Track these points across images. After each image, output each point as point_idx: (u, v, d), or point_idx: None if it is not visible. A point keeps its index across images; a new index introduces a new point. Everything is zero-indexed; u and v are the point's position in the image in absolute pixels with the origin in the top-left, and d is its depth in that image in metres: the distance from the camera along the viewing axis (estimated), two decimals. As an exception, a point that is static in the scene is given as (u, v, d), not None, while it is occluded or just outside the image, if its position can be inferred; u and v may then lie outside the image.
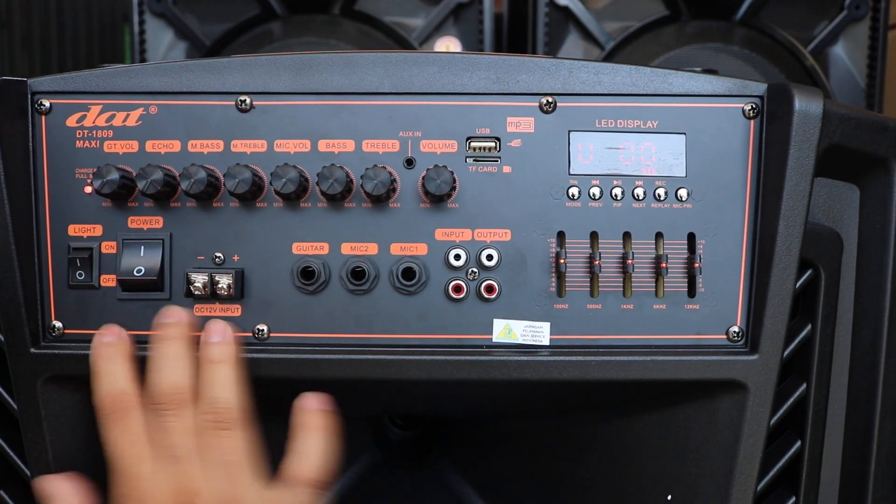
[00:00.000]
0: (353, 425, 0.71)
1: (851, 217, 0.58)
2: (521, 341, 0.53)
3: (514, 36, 1.70)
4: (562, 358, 0.53)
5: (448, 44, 1.56)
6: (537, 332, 0.53)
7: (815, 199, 0.57)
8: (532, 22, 1.53)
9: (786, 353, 0.56)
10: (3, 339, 0.54)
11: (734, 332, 0.54)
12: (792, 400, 0.58)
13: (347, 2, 1.54)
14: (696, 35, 1.54)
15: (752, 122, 0.54)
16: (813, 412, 0.58)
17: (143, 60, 1.58)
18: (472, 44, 1.55)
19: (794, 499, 0.59)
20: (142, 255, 0.53)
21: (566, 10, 1.54)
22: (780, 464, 0.58)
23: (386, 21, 1.59)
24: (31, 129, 0.54)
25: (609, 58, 1.51)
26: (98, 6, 2.74)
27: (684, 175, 0.53)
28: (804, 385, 0.58)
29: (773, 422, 0.57)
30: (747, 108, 0.54)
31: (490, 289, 0.53)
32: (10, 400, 0.57)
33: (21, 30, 2.14)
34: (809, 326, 0.57)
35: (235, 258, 0.54)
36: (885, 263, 0.57)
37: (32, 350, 0.53)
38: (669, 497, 0.57)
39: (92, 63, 2.45)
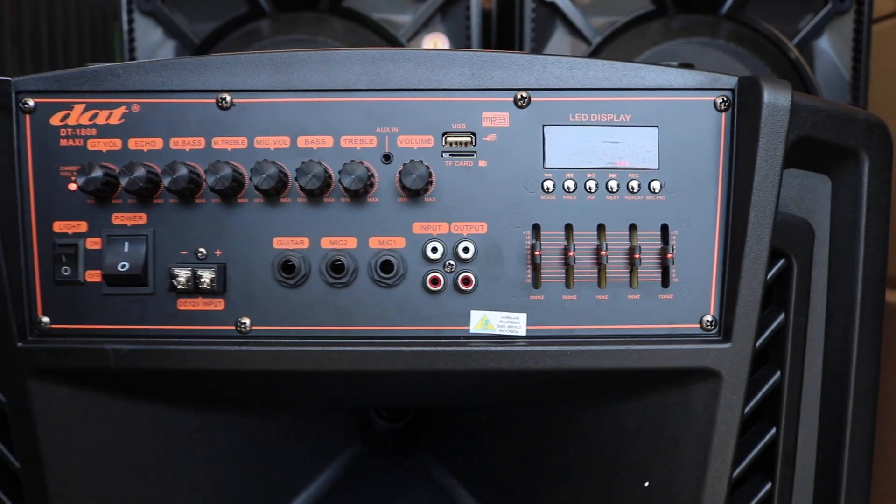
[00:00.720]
0: (338, 417, 0.72)
1: (823, 207, 0.59)
2: (498, 332, 0.54)
3: (502, 32, 1.71)
4: (538, 348, 0.54)
5: (436, 41, 1.57)
6: (514, 323, 0.54)
7: (787, 190, 0.58)
8: (519, 18, 1.54)
9: (760, 341, 0.58)
10: (-10, 334, 0.56)
11: (707, 320, 0.55)
12: (766, 388, 0.59)
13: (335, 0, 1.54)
14: (682, 29, 1.55)
15: (723, 114, 0.55)
16: (787, 400, 0.59)
17: (132, 59, 1.59)
18: (460, 40, 1.56)
19: (769, 485, 0.60)
20: (126, 250, 0.54)
21: (553, 6, 1.55)
22: (755, 451, 0.59)
23: (374, 18, 1.60)
24: (15, 127, 0.55)
25: (596, 53, 1.51)
26: (88, 5, 2.73)
27: (657, 167, 0.55)
28: (778, 373, 0.59)
29: (747, 410, 0.58)
30: (718, 101, 0.55)
31: (467, 281, 0.54)
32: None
33: (11, 29, 2.14)
34: (783, 315, 0.58)
35: (217, 253, 0.55)
36: (857, 253, 0.58)
37: (20, 344, 0.54)
38: (647, 483, 0.58)
39: (83, 62, 2.46)
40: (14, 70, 1.89)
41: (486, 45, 1.59)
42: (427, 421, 0.74)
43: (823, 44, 1.59)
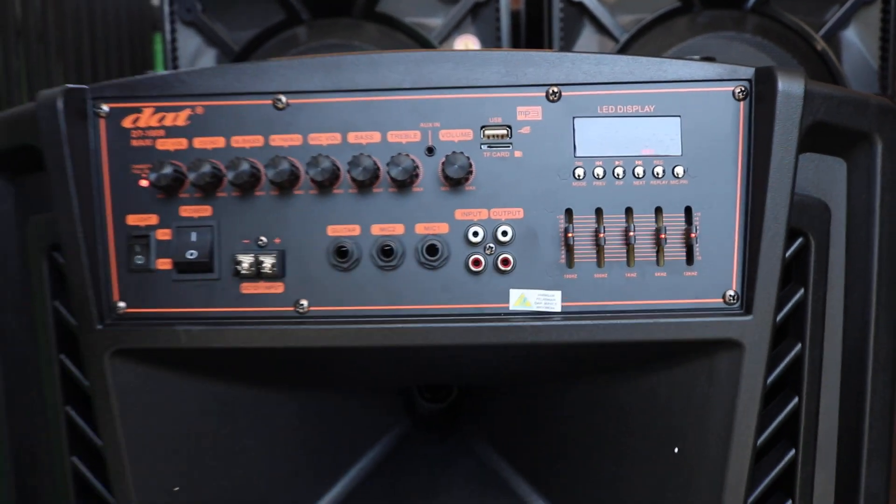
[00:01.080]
0: (385, 398, 0.77)
1: (839, 188, 0.63)
2: (535, 308, 0.59)
3: (531, 32, 1.74)
4: (572, 322, 0.58)
5: (467, 42, 1.61)
6: (550, 300, 0.59)
7: (805, 173, 0.62)
8: (548, 18, 1.57)
9: (781, 315, 0.61)
10: (74, 319, 0.61)
11: (730, 295, 0.59)
12: (788, 359, 0.63)
13: (368, 4, 1.59)
14: (708, 25, 1.57)
15: (741, 103, 0.59)
16: (808, 370, 0.63)
17: (175, 67, 1.65)
18: (491, 41, 1.60)
19: (793, 451, 0.64)
20: (193, 240, 0.60)
21: (580, 6, 1.58)
22: (779, 419, 0.63)
23: (406, 22, 1.64)
24: (91, 131, 0.61)
25: (623, 50, 1.55)
26: (128, 17, 2.83)
27: (680, 154, 0.59)
28: (799, 345, 0.63)
29: (771, 381, 0.62)
30: (737, 90, 0.59)
31: (506, 262, 0.59)
32: (80, 377, 0.64)
33: (56, 42, 2.23)
34: (802, 291, 0.62)
35: (277, 241, 0.60)
36: (872, 230, 0.62)
37: (99, 327, 0.60)
38: (676, 450, 0.62)
39: (123, 71, 2.57)
40: (59, 81, 1.97)
41: (516, 45, 1.63)
42: (468, 401, 0.79)
43: (850, 34, 1.60)
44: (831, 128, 0.60)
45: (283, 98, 0.60)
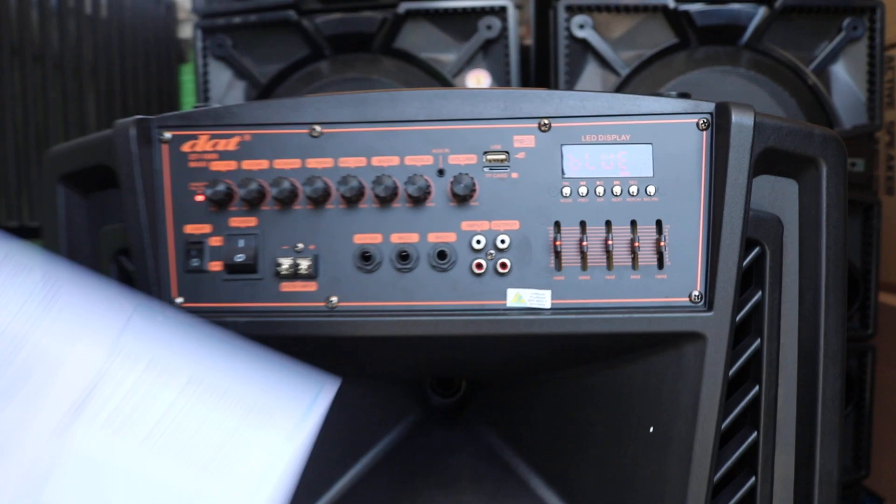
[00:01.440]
0: (401, 391, 0.88)
1: (792, 205, 0.73)
2: (528, 305, 0.70)
3: (539, 66, 1.85)
4: (560, 317, 0.69)
5: (478, 76, 1.72)
6: (541, 298, 0.69)
7: (762, 191, 0.72)
8: (554, 53, 1.68)
9: (741, 314, 0.72)
10: (138, 312, 0.73)
11: (695, 294, 0.69)
12: (749, 352, 0.73)
13: (386, 41, 1.70)
14: (704, 60, 1.65)
15: (703, 133, 0.69)
16: (767, 362, 0.73)
17: (206, 99, 1.77)
18: (500, 75, 1.70)
19: (755, 433, 0.74)
20: (241, 246, 0.71)
21: (584, 42, 1.69)
22: (742, 405, 0.73)
23: (422, 57, 1.74)
24: (156, 154, 0.72)
25: (625, 83, 1.65)
26: (156, 49, 3.01)
27: (651, 175, 0.70)
28: (759, 340, 0.73)
29: (735, 371, 0.72)
30: (700, 122, 0.70)
31: (504, 266, 0.70)
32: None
33: (91, 77, 2.40)
34: (760, 293, 0.72)
35: (311, 247, 0.71)
36: (820, 241, 0.72)
37: (161, 320, 0.71)
38: (651, 429, 0.72)
39: (150, 99, 2.75)
40: (94, 112, 2.12)
41: (525, 78, 1.73)
42: (475, 395, 0.89)
43: (839, 69, 1.69)
44: (781, 154, 0.70)
45: (318, 128, 0.71)
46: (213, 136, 0.72)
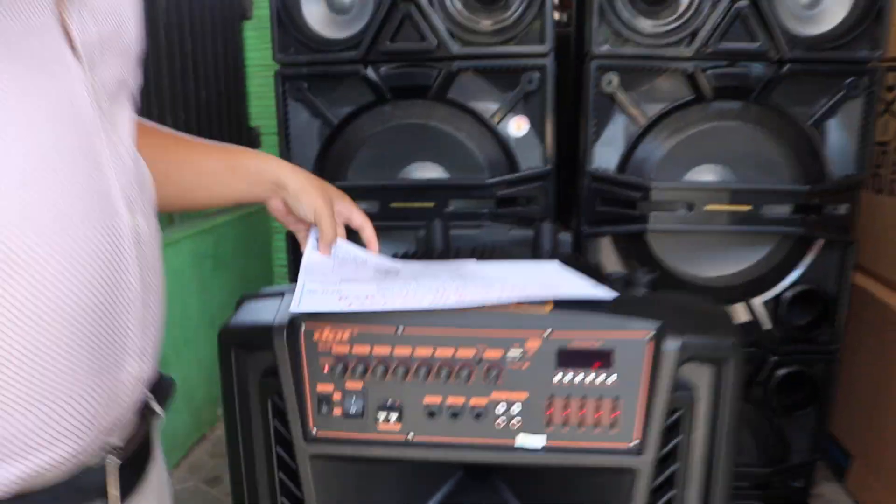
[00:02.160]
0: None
1: (706, 380, 1.14)
2: (529, 446, 1.13)
3: (571, 116, 2.15)
4: (548, 453, 1.12)
5: (519, 122, 2.03)
6: (537, 441, 1.12)
7: (687, 370, 1.13)
8: (584, 104, 1.97)
9: (665, 450, 1.14)
10: (288, 436, 1.17)
11: (635, 443, 1.12)
12: (669, 470, 1.16)
13: (440, 91, 2.00)
14: (717, 114, 1.93)
15: (650, 343, 1.09)
16: (681, 479, 1.16)
17: (287, 135, 2.11)
18: (538, 121, 1.99)
19: (672, 516, 1.18)
20: (353, 401, 1.14)
21: (611, 96, 1.99)
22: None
23: (470, 105, 2.07)
24: (298, 340, 1.14)
25: (645, 132, 1.95)
26: (220, 10, 3.37)
27: (615, 368, 1.10)
28: (678, 463, 1.16)
29: (660, 481, 1.15)
30: (648, 337, 1.09)
31: (516, 421, 1.12)
32: (289, 460, 1.20)
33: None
34: (680, 436, 1.15)
35: (397, 403, 1.14)
36: (722, 408, 1.13)
37: (303, 442, 1.15)
38: (605, 515, 1.16)
39: (217, 56, 3.22)
40: (166, 61, 2.49)
41: (559, 123, 2.01)
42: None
43: (835, 122, 1.95)
44: (698, 357, 1.10)
45: (401, 329, 1.12)
46: (334, 328, 1.14)
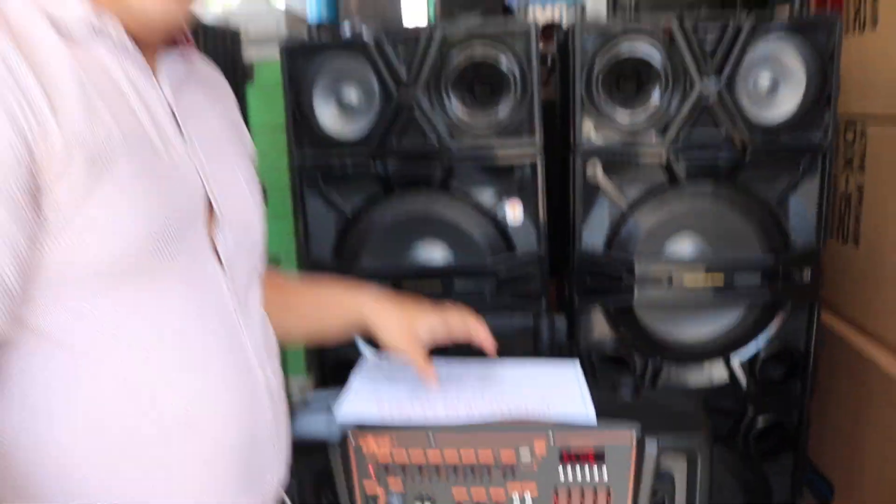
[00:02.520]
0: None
1: (683, 467, 1.39)
2: (542, 530, 1.38)
3: (560, 200, 2.35)
4: (558, 537, 1.38)
5: (514, 205, 2.25)
6: (548, 526, 1.38)
7: (667, 462, 1.38)
8: (572, 191, 2.18)
9: None
10: (343, 527, 1.42)
11: (626, 524, 1.37)
12: (656, 540, 1.42)
13: (443, 182, 2.21)
14: (689, 196, 2.14)
15: (633, 447, 1.35)
16: (666, 544, 1.42)
17: (305, 223, 2.32)
18: (531, 204, 2.19)
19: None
20: (394, 500, 1.39)
21: (595, 187, 2.18)
22: None
23: (468, 192, 2.28)
24: (349, 450, 1.39)
25: (627, 214, 2.15)
26: (224, 73, 3.57)
27: (606, 464, 1.36)
28: (661, 534, 1.41)
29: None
30: (631, 442, 1.35)
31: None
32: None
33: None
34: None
35: (432, 498, 1.39)
36: (695, 489, 1.39)
37: (355, 532, 1.41)
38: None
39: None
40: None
41: (549, 207, 2.22)
42: None
43: (797, 198, 2.14)
44: (673, 450, 1.36)
45: (431, 437, 1.37)
46: (374, 437, 1.39)
